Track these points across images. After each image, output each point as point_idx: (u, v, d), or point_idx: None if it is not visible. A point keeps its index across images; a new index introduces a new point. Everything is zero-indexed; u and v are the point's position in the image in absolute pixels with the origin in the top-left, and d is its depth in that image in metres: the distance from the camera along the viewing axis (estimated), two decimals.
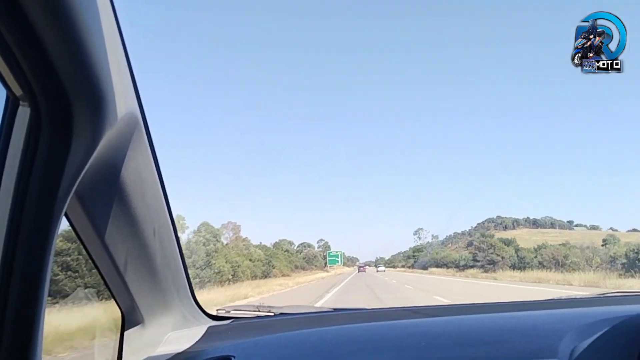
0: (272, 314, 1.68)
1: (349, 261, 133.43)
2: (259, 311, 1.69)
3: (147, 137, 1.03)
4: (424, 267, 66.74)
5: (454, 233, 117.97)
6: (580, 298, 1.97)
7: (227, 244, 45.70)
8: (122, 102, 0.83)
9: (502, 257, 51.28)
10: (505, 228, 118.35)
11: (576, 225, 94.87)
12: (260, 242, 55.38)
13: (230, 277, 34.71)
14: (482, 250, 55.00)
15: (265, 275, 43.52)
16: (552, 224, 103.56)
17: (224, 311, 1.67)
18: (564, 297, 1.94)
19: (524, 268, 43.77)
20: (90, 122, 0.73)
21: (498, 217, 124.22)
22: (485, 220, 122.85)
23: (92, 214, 0.96)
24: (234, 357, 1.19)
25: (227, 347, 1.27)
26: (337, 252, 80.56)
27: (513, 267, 46.81)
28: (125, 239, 1.09)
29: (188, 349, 1.33)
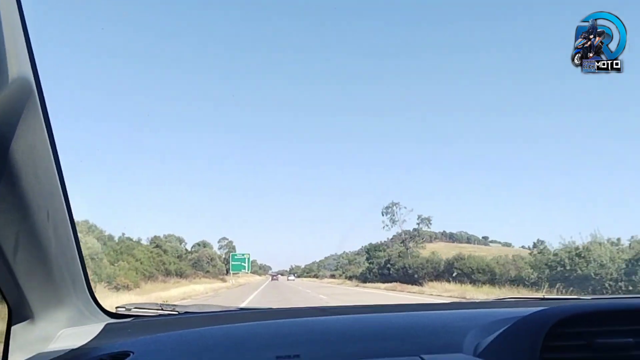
0: (176, 313, 1.65)
1: (261, 269, 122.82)
2: (162, 309, 1.66)
3: (42, 109, 0.96)
4: (412, 280, 34.41)
5: (368, 244, 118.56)
6: (481, 301, 2.12)
7: None
8: (13, 66, 0.76)
9: None
10: (423, 240, 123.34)
11: (491, 241, 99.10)
12: (123, 234, 37.43)
13: None
14: None
15: None
16: (468, 239, 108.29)
17: (124, 309, 1.61)
18: (466, 300, 2.15)
19: None
20: None
21: (414, 229, 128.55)
22: (402, 232, 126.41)
23: None
24: (133, 352, 1.14)
25: (125, 343, 1.23)
26: (243, 254, 60.31)
27: None
28: (13, 222, 0.99)
29: (83, 345, 1.27)
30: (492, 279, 28.57)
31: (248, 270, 64.58)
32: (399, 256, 43.69)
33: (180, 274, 40.42)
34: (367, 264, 51.52)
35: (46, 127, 0.99)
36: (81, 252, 1.29)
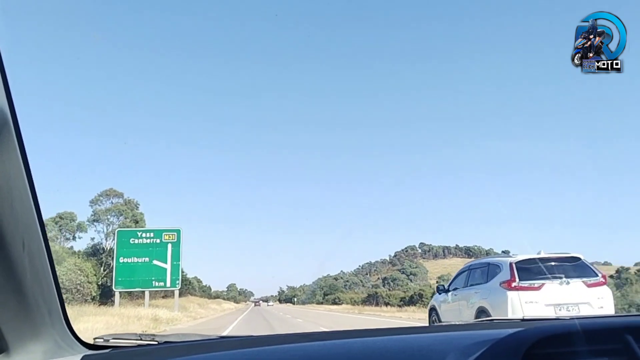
0: (155, 343, 1.64)
1: (242, 295, 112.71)
2: (141, 340, 1.65)
3: (17, 138, 0.96)
4: None
5: (366, 263, 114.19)
6: (459, 324, 2.15)
7: None
8: None
9: None
10: (436, 256, 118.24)
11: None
12: None
13: None
14: None
15: None
16: (487, 253, 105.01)
17: (102, 340, 1.59)
18: (444, 324, 2.14)
19: None
20: None
21: (422, 243, 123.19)
22: (407, 247, 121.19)
23: None
24: None
25: None
26: (159, 232, 23.73)
27: None
28: None
29: None
30: None
31: (175, 284, 24.56)
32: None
33: None
34: None
35: (22, 158, 1.00)
36: (57, 282, 1.28)
